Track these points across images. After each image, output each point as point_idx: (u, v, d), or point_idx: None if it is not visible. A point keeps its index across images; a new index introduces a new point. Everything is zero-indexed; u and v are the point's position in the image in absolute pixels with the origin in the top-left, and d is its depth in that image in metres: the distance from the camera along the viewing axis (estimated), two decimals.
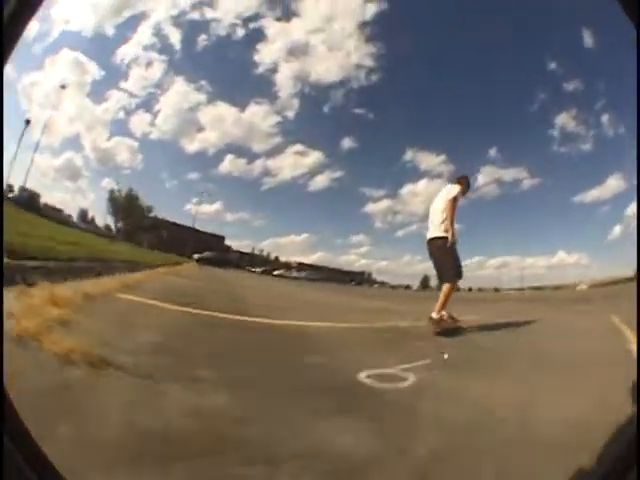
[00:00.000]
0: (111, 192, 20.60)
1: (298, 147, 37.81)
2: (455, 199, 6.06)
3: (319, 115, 43.61)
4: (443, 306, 5.50)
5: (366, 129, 45.11)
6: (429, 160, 48.09)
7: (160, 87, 25.22)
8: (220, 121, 27.35)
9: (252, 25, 31.19)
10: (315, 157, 41.85)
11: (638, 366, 3.00)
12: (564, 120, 42.08)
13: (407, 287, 42.76)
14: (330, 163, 42.69)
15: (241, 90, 37.41)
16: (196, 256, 19.17)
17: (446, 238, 5.83)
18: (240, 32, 30.00)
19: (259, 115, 36.23)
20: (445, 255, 5.87)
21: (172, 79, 26.23)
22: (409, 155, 46.55)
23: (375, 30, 39.50)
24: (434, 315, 5.45)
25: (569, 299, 19.89)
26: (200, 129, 26.26)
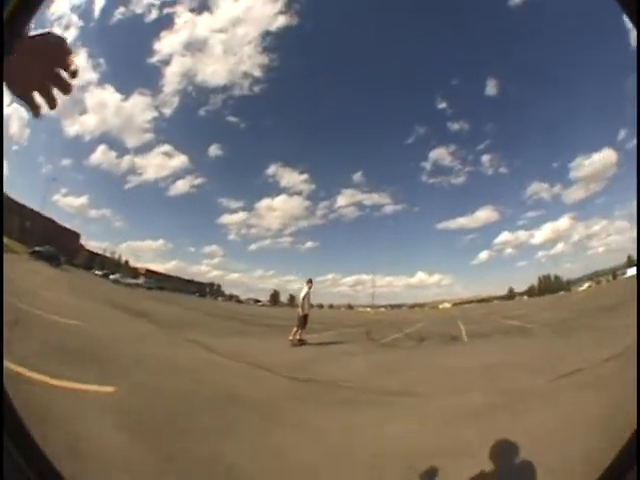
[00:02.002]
0: None
1: (166, 147, 34.39)
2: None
3: (194, 118, 40.91)
4: (297, 332, 9.17)
5: (235, 138, 38.66)
6: (291, 177, 41.79)
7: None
8: (102, 106, 26.58)
9: (166, 10, 28.96)
10: (180, 160, 39.80)
11: (638, 366, 3.00)
12: (439, 155, 37.27)
13: (257, 301, 42.08)
14: (193, 169, 37.21)
15: (131, 76, 32.55)
16: (30, 249, 17.43)
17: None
18: (153, 14, 28.72)
19: (139, 107, 34.85)
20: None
21: (76, 50, 24.41)
22: (272, 170, 40.56)
23: (274, 43, 34.55)
24: (290, 337, 9.07)
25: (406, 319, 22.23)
26: (83, 112, 25.53)
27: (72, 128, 25.31)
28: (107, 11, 26.15)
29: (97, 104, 26.42)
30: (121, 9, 27.87)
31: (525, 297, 51.46)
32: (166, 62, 33.78)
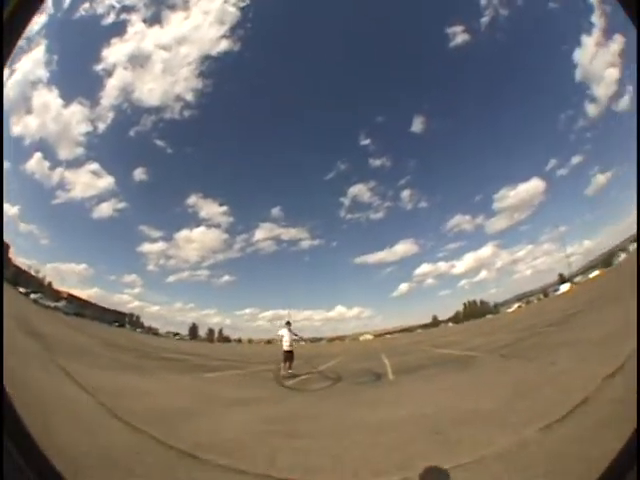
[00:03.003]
0: None
1: (95, 166, 34.88)
2: None
3: (124, 137, 39.04)
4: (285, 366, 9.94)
5: (160, 164, 38.15)
6: (210, 208, 40.55)
7: (23, 49, 22.45)
8: (45, 109, 25.05)
9: (122, 16, 27.85)
10: (107, 181, 37.83)
11: (638, 366, 3.00)
12: (359, 191, 36.42)
13: (176, 334, 41.18)
14: (118, 191, 37.39)
15: (76, 81, 31.33)
16: None
17: None
18: (110, 18, 27.63)
19: (76, 117, 33.95)
20: None
21: (37, 43, 23.49)
22: (192, 200, 40.44)
23: (211, 67, 34.63)
24: (282, 372, 9.77)
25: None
26: (29, 111, 24.14)
27: (16, 127, 24.97)
28: (70, 6, 26.37)
29: (41, 105, 26.15)
30: (85, 5, 28.34)
31: (450, 324, 50.33)
32: (109, 73, 33.12)
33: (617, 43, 37.52)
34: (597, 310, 11.35)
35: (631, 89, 38.43)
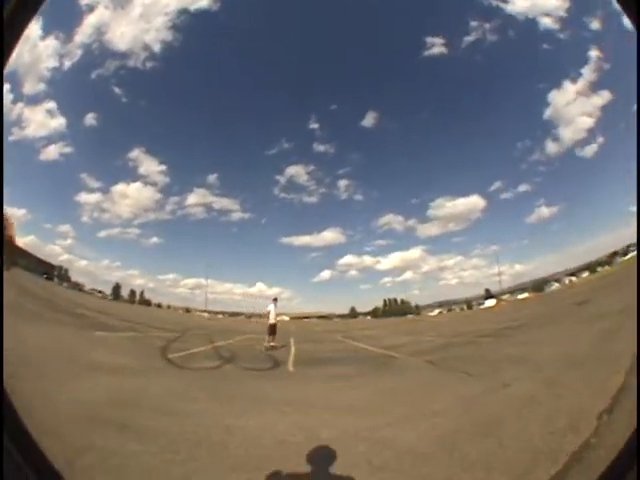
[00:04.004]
0: None
1: (52, 105, 34.98)
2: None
3: (85, 78, 37.82)
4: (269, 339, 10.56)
5: (111, 112, 40.34)
6: (150, 165, 42.13)
7: None
8: (25, 39, 28.19)
9: None
10: (59, 122, 37.37)
11: (638, 366, 2.99)
12: (296, 172, 39.65)
13: (99, 292, 40.39)
14: (67, 135, 37.95)
15: (58, 13, 33.16)
16: None
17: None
18: None
19: (48, 50, 33.02)
20: None
21: None
22: (135, 153, 41.39)
23: (184, 22, 36.22)
24: (265, 344, 10.45)
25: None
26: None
27: None
28: None
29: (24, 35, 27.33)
30: None
31: (368, 317, 50.53)
32: (91, 8, 33.32)
33: (602, 98, 37.85)
34: (536, 328, 10.68)
35: (602, 140, 39.17)
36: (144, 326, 15.02)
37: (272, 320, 11.03)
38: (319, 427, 3.33)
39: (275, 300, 12.03)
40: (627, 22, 1.15)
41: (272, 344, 10.36)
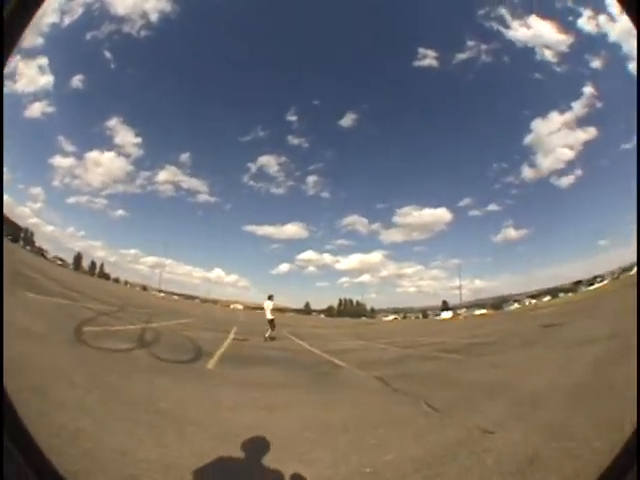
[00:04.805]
0: None
1: (43, 61, 35.37)
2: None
3: (79, 38, 38.53)
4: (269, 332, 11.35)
5: (98, 76, 40.75)
6: (126, 136, 42.54)
7: None
8: None
9: None
10: (46, 80, 37.44)
11: (638, 366, 2.99)
12: (268, 161, 42.77)
13: (62, 261, 38.83)
14: (52, 93, 37.83)
15: None
16: None
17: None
18: None
19: (50, 8, 33.66)
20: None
21: None
22: (113, 122, 41.73)
23: None
24: (265, 335, 11.22)
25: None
26: None
27: None
28: None
29: None
30: None
31: (322, 315, 50.28)
32: None
33: (587, 134, 37.70)
34: (508, 348, 9.43)
35: (580, 173, 39.12)
36: (85, 296, 14.37)
37: (268, 316, 11.74)
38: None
39: (270, 297, 12.48)
40: (627, 25, 1.15)
41: (268, 335, 11.21)
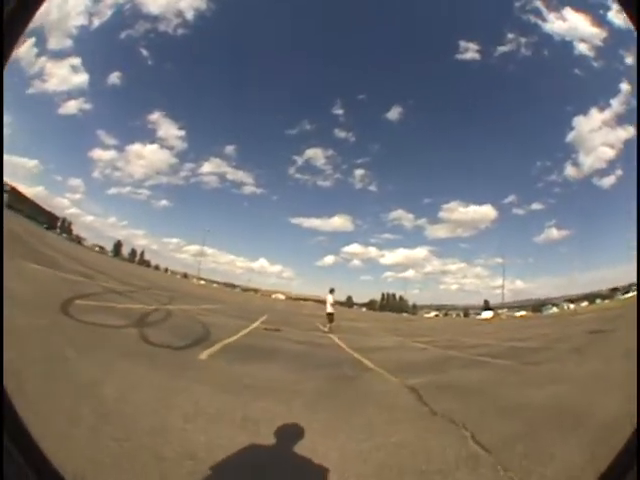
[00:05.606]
0: None
1: (76, 60, 37.90)
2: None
3: (113, 37, 41.62)
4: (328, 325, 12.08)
5: (136, 73, 46.38)
6: (169, 129, 49.29)
7: None
8: None
9: None
10: (82, 78, 40.32)
11: (638, 366, 2.99)
12: (315, 154, 51.61)
13: (101, 248, 39.75)
14: (88, 91, 41.07)
15: None
16: None
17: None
18: None
19: (78, 8, 34.52)
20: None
21: None
22: (155, 116, 48.79)
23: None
24: (324, 327, 12.12)
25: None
26: None
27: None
28: None
29: None
30: None
31: (364, 309, 50.10)
32: None
33: (626, 132, 36.80)
34: (561, 356, 8.36)
35: (620, 174, 38.42)
36: (106, 276, 13.76)
37: (328, 309, 12.34)
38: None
39: (331, 291, 13.07)
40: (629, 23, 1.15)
41: (325, 329, 11.74)
